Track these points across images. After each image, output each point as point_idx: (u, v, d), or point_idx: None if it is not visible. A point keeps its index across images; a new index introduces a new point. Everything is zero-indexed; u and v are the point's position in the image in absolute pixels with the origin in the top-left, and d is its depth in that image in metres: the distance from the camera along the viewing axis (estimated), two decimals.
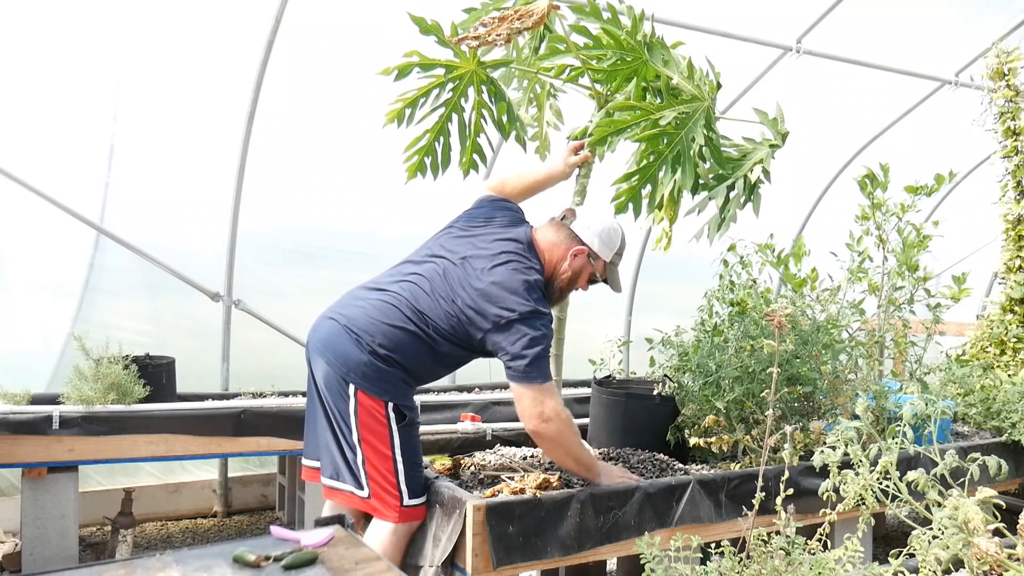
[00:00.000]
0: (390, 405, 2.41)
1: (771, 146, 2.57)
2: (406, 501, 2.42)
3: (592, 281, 2.64)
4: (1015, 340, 4.74)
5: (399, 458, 2.42)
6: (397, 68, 2.61)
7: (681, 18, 4.66)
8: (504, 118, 2.81)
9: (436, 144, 2.86)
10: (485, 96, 2.75)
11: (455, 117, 2.80)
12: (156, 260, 4.33)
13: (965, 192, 6.66)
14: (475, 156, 2.88)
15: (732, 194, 2.62)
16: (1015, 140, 4.98)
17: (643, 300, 6.06)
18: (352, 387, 2.38)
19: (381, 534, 2.42)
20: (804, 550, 1.79)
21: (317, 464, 2.56)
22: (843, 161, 6.15)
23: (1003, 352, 4.79)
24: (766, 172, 2.58)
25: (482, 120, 2.82)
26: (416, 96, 2.73)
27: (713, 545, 1.89)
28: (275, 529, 1.97)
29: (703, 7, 4.69)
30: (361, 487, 2.42)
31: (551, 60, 2.61)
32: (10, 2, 3.81)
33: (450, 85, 2.72)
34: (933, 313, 3.56)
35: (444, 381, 5.10)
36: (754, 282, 3.39)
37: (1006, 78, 4.99)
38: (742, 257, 3.42)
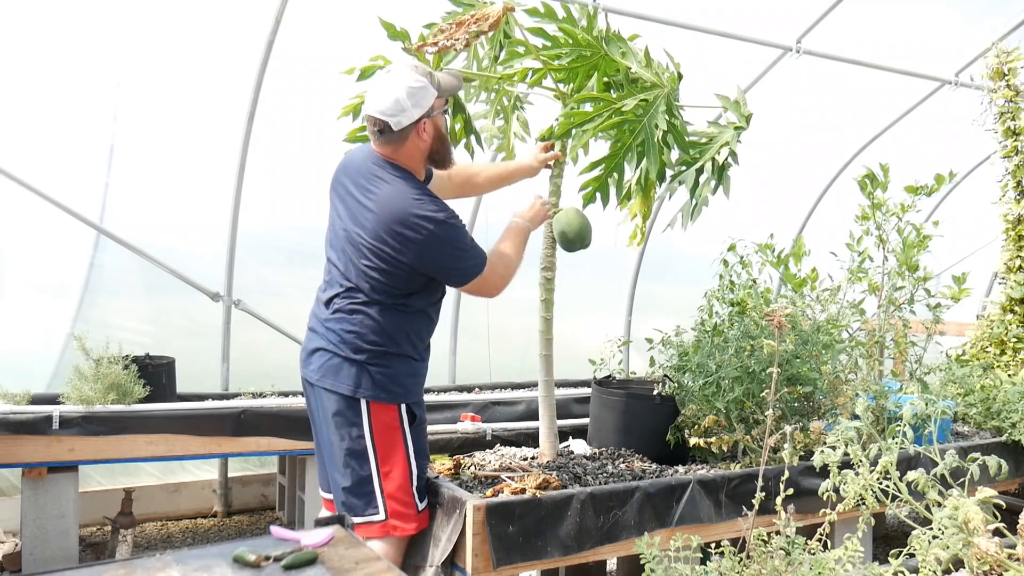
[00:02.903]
0: (403, 407, 2.42)
1: (736, 128, 2.61)
2: (419, 508, 2.43)
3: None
4: (1015, 340, 4.74)
5: (412, 462, 2.42)
6: (361, 69, 2.67)
7: (681, 18, 4.66)
8: (458, 127, 2.88)
9: None
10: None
11: None
12: (156, 260, 4.33)
13: (965, 192, 6.65)
14: None
15: (702, 178, 2.65)
16: (1015, 140, 4.98)
17: (643, 300, 6.06)
18: (364, 402, 2.35)
19: (386, 541, 2.41)
20: (804, 550, 1.79)
21: (331, 496, 2.53)
22: (843, 161, 6.15)
23: (1003, 352, 4.78)
24: (733, 154, 2.62)
25: None
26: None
27: (713, 545, 1.89)
28: (275, 529, 1.98)
29: (703, 6, 4.69)
30: (377, 511, 2.37)
31: (511, 65, 2.65)
32: (11, 2, 3.81)
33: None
34: (933, 313, 3.56)
35: (444, 381, 5.16)
36: (754, 282, 3.39)
37: (1006, 78, 4.99)
38: (742, 257, 3.42)
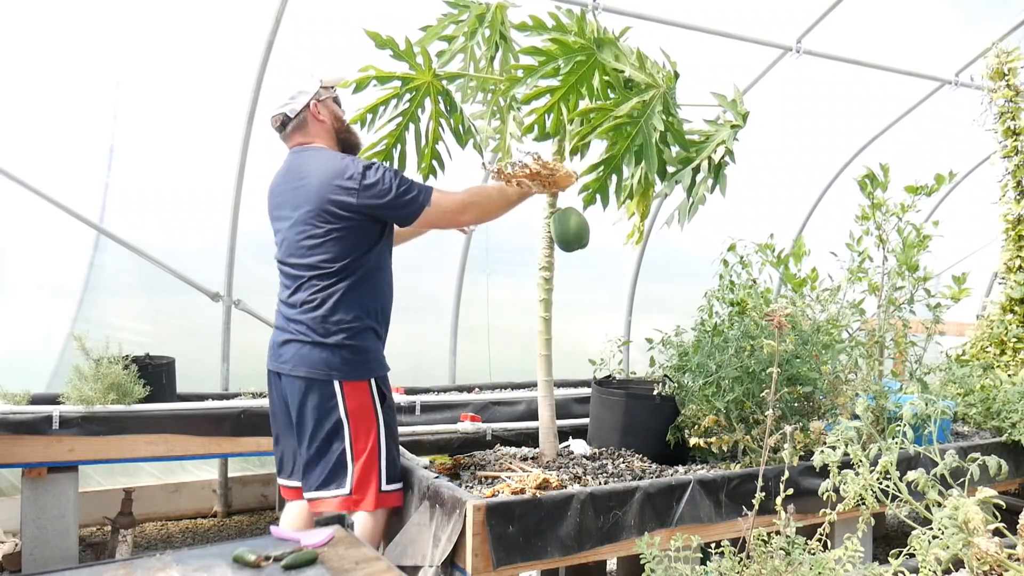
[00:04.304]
0: (373, 382, 2.55)
1: (732, 127, 2.62)
2: (383, 487, 2.53)
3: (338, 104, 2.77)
4: (1015, 340, 4.74)
5: (382, 441, 2.54)
6: (355, 82, 2.67)
7: (681, 18, 4.67)
8: (460, 128, 2.87)
9: (394, 150, 2.92)
10: (442, 106, 2.80)
11: (412, 126, 2.85)
12: (156, 260, 4.33)
13: (965, 192, 6.66)
14: (434, 162, 2.94)
15: (699, 176, 2.66)
16: (1015, 140, 4.98)
17: (643, 300, 6.06)
18: (337, 383, 2.51)
19: (359, 522, 2.52)
20: (804, 550, 1.80)
21: (293, 484, 2.70)
22: (843, 161, 6.15)
23: (1003, 352, 4.79)
24: (730, 152, 2.62)
25: (440, 129, 2.86)
26: (376, 103, 2.77)
27: (713, 545, 1.89)
28: (275, 529, 1.98)
29: (703, 6, 4.69)
30: (343, 486, 2.51)
31: (515, 90, 2.65)
32: (11, 2, 3.81)
33: (407, 96, 2.77)
34: (933, 313, 3.56)
35: (444, 381, 5.16)
36: (754, 282, 3.39)
37: (1006, 78, 4.99)
38: (742, 257, 3.42)
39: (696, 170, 2.65)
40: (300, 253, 2.56)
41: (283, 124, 2.67)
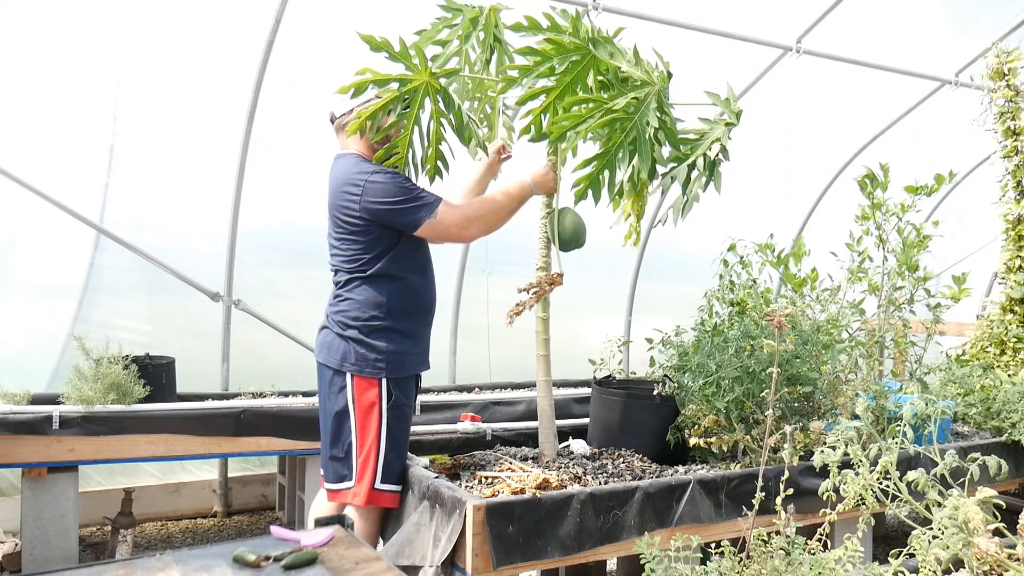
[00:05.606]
0: (383, 384, 2.62)
1: (727, 124, 2.63)
2: (377, 484, 2.59)
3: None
4: (1015, 340, 4.74)
5: (382, 440, 2.60)
6: (353, 86, 2.66)
7: (681, 18, 4.66)
8: (461, 125, 2.86)
9: (409, 156, 2.90)
10: (441, 105, 2.79)
11: (416, 129, 2.84)
12: (156, 260, 4.33)
13: (965, 192, 6.65)
14: (439, 163, 2.91)
15: (694, 173, 2.67)
16: (1015, 140, 4.98)
17: (643, 300, 6.06)
18: (348, 376, 2.63)
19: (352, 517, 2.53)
20: (804, 550, 1.80)
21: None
22: (843, 161, 6.15)
23: (1003, 352, 4.78)
24: (724, 150, 2.64)
25: (441, 128, 2.86)
26: (375, 109, 2.75)
27: (713, 545, 1.89)
28: (275, 529, 1.98)
29: (703, 6, 4.69)
30: (350, 479, 2.61)
31: (511, 89, 2.65)
32: (11, 2, 3.81)
33: (406, 98, 2.76)
34: (933, 313, 3.56)
35: (444, 381, 5.17)
36: (754, 282, 3.39)
37: (1006, 78, 4.99)
38: (742, 257, 3.42)
39: (691, 167, 2.66)
40: (331, 251, 2.77)
41: (332, 122, 2.84)
